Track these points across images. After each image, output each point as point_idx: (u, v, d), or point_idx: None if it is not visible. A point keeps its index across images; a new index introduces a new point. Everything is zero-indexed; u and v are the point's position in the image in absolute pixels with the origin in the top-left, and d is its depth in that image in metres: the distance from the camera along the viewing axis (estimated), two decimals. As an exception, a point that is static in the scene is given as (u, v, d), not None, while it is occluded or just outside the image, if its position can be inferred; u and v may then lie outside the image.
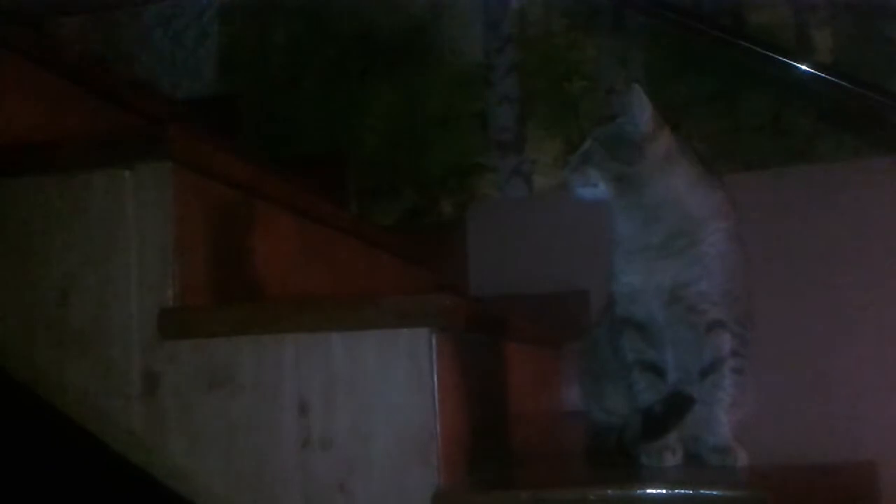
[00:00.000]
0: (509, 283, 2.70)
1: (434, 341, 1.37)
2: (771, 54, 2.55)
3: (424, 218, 2.95)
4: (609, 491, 1.24)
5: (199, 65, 3.18)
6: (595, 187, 1.51)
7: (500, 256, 2.76)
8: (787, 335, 2.41)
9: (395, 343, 1.37)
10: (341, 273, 2.20)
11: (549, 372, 2.15)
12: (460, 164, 2.89)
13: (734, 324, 1.54)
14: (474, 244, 2.81)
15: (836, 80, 2.46)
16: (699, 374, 1.53)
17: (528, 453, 1.89)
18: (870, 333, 2.43)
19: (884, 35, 2.63)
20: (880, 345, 2.33)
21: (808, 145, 2.68)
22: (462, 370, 1.48)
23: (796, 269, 2.52)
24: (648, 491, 1.22)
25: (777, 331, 2.37)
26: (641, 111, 1.48)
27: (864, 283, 2.46)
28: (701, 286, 1.50)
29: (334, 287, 2.11)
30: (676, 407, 1.52)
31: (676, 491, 1.21)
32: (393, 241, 2.63)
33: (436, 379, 1.36)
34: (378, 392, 1.36)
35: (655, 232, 1.50)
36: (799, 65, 2.49)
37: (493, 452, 1.66)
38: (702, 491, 1.22)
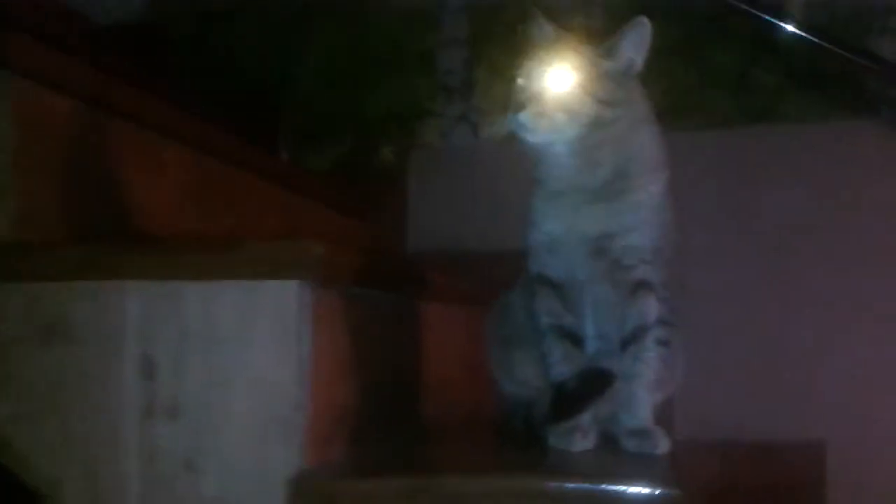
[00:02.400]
0: (452, 239, 2.55)
1: (308, 297, 1.16)
2: (742, 5, 2.32)
3: (362, 165, 2.73)
4: (493, 481, 1.04)
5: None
6: (555, 128, 1.26)
7: (442, 210, 2.58)
8: (738, 307, 2.25)
9: (259, 297, 1.16)
10: (251, 222, 1.98)
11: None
12: (403, 108, 2.71)
13: (661, 288, 1.35)
14: (415, 195, 2.62)
15: (810, 38, 2.25)
16: (620, 344, 1.34)
17: (448, 428, 1.70)
18: (824, 309, 2.25)
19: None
20: (834, 319, 2.19)
21: (774, 104, 2.47)
22: (348, 332, 1.27)
23: (753, 236, 2.34)
24: (538, 484, 1.03)
25: (727, 302, 2.33)
26: (643, 50, 1.28)
27: (823, 256, 2.28)
28: (632, 238, 1.31)
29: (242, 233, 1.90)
30: (593, 384, 1.33)
31: (570, 485, 1.01)
32: (321, 188, 2.43)
33: (307, 342, 1.16)
34: (237, 355, 1.16)
35: (595, 173, 1.29)
36: (771, 19, 2.27)
37: (393, 428, 1.46)
38: (603, 486, 1.03)
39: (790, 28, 2.26)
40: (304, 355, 1.16)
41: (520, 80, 1.28)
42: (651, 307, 1.34)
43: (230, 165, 1.87)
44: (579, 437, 1.31)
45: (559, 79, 1.25)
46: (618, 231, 1.30)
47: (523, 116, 1.24)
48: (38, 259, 1.19)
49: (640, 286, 1.34)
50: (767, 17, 2.31)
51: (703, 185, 2.33)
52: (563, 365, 1.35)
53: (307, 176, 2.44)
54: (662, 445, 1.31)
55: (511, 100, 1.28)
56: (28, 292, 1.19)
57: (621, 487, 1.04)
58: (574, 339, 1.37)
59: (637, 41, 1.29)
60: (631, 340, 1.34)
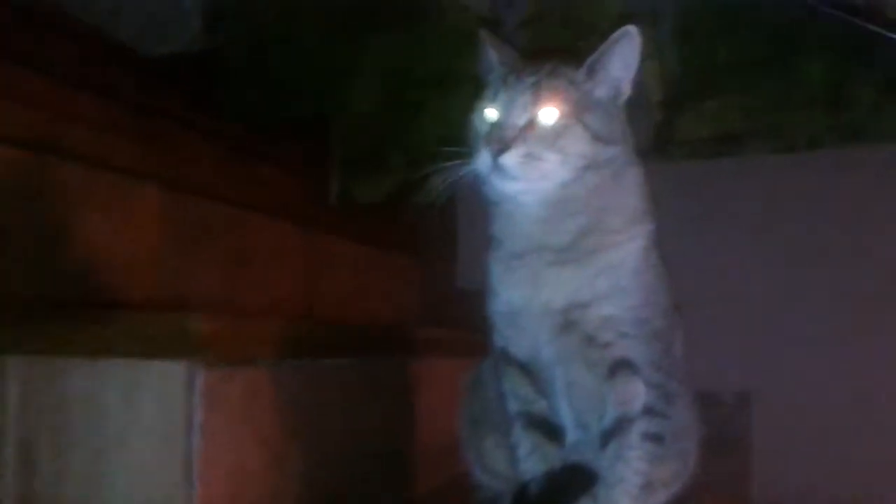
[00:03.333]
0: None
1: (200, 379, 1.00)
2: (835, 11, 2.01)
3: (413, 195, 2.54)
4: None
5: (184, 18, 2.87)
6: (545, 173, 1.04)
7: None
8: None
9: (144, 378, 1.00)
10: (268, 269, 1.84)
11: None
12: (457, 134, 2.50)
13: (651, 369, 1.09)
14: (465, 227, 2.43)
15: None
16: (600, 439, 1.10)
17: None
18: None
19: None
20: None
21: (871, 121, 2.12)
22: (266, 412, 1.11)
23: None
24: None
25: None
26: (632, 68, 1.07)
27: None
28: (607, 308, 1.07)
29: (250, 290, 1.76)
30: (564, 489, 1.10)
31: None
32: (357, 224, 2.27)
33: (198, 431, 0.99)
34: (121, 443, 1.01)
35: (564, 228, 1.07)
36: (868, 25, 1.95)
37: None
38: None
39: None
40: (194, 446, 1.00)
41: (489, 111, 1.08)
42: (635, 393, 1.09)
43: (235, 204, 1.74)
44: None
45: (546, 110, 1.04)
46: (590, 300, 1.06)
47: (507, 159, 1.02)
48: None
49: (621, 366, 1.09)
50: (863, 24, 1.98)
51: (784, 214, 2.04)
52: (532, 460, 1.13)
53: (336, 211, 2.29)
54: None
55: (474, 134, 1.09)
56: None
57: None
58: (547, 428, 1.14)
59: (625, 57, 1.06)
60: (612, 435, 1.09)
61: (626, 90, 1.08)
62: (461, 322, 2.26)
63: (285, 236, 1.98)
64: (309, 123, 2.69)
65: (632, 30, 1.05)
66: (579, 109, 1.03)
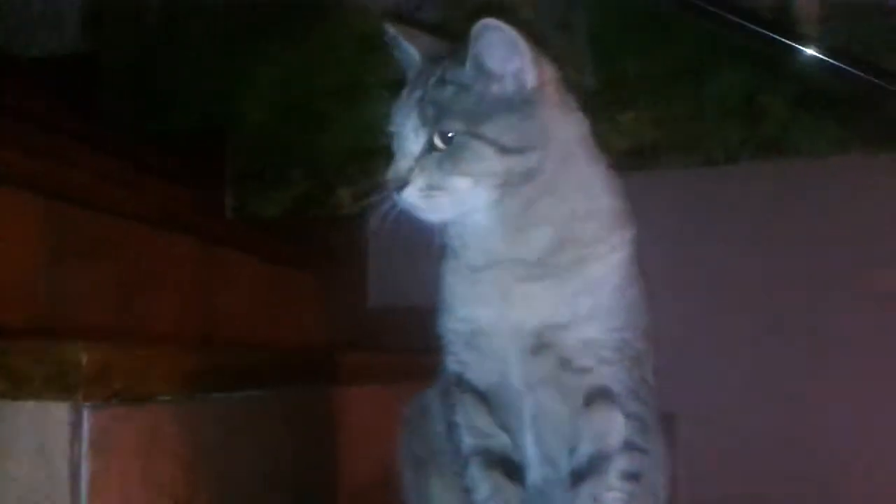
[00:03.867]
0: (418, 291, 2.19)
1: (86, 422, 0.83)
2: (750, 24, 1.98)
3: (317, 210, 2.40)
4: None
5: (60, 18, 2.63)
6: (459, 202, 0.92)
7: (408, 260, 2.23)
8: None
9: (18, 423, 0.83)
10: (161, 289, 1.66)
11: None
12: (366, 146, 2.36)
13: (630, 398, 0.98)
14: (377, 244, 2.30)
15: (824, 58, 1.90)
16: (571, 479, 0.99)
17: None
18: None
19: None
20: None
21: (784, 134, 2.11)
22: (157, 459, 0.94)
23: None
24: None
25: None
26: (518, 58, 0.92)
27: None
28: (587, 329, 0.95)
29: (142, 312, 1.58)
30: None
31: None
32: (258, 240, 2.11)
33: (82, 483, 0.83)
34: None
35: (532, 239, 0.94)
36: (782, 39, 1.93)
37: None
38: None
39: (805, 50, 1.91)
40: (82, 501, 0.83)
41: (392, 129, 0.95)
42: (614, 425, 0.98)
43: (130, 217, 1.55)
44: None
45: (438, 130, 0.92)
46: (567, 320, 0.94)
47: (407, 196, 0.90)
48: None
49: (598, 395, 0.97)
50: (777, 37, 1.96)
51: (700, 228, 2.00)
52: (491, 505, 1.00)
53: (231, 223, 2.12)
54: None
55: (383, 164, 0.97)
56: None
57: None
58: (509, 467, 1.01)
59: (496, 47, 0.91)
60: (586, 473, 0.97)
61: (530, 79, 0.92)
62: (374, 344, 2.21)
63: (180, 254, 1.81)
64: (202, 133, 2.51)
65: (486, 22, 0.91)
66: (475, 121, 0.90)
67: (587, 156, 0.97)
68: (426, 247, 2.16)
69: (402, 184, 0.90)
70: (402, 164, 0.91)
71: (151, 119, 2.51)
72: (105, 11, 2.60)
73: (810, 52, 1.88)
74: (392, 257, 2.24)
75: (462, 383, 1.01)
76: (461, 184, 0.90)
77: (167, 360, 0.96)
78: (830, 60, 1.88)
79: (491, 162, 0.90)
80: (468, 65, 0.91)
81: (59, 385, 0.82)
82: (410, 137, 0.91)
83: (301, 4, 2.46)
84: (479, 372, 0.99)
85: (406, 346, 2.07)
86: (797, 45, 1.93)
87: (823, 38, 1.99)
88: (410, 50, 0.98)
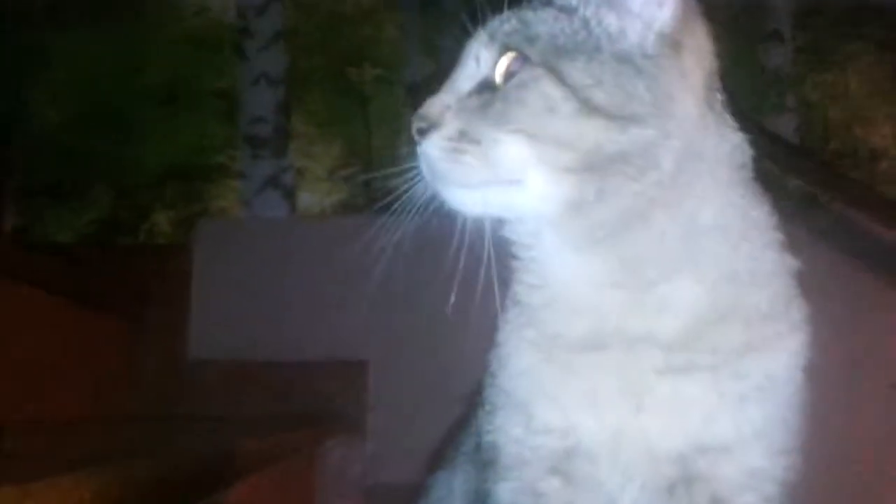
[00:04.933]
0: (250, 343, 1.93)
1: None
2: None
3: (126, 237, 2.05)
4: None
5: None
6: (501, 176, 0.62)
7: (238, 303, 1.96)
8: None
9: None
10: None
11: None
12: (189, 162, 2.18)
13: None
14: (201, 282, 2.00)
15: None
16: None
17: None
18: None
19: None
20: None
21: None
22: None
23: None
24: None
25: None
26: None
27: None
28: (754, 454, 0.65)
29: None
30: None
31: None
32: (44, 270, 1.65)
33: None
34: None
35: (671, 302, 0.63)
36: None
37: None
38: None
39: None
40: None
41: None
42: None
43: None
44: None
45: (499, 54, 0.62)
46: (731, 440, 0.64)
47: (427, 147, 0.63)
48: None
49: None
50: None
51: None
52: None
53: (25, 253, 1.68)
54: None
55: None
56: None
57: None
58: None
59: None
60: None
61: (668, 24, 0.62)
62: (194, 404, 1.81)
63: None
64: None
65: None
66: (558, 53, 0.61)
67: (747, 191, 0.66)
68: (273, 282, 1.91)
69: (428, 127, 0.62)
70: (438, 99, 0.63)
71: None
72: None
73: None
74: (223, 297, 1.98)
75: None
76: (510, 145, 0.60)
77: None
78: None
79: (565, 120, 0.59)
80: None
81: None
82: (467, 65, 0.64)
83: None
84: None
85: (238, 412, 1.72)
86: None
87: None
88: None
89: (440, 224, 0.67)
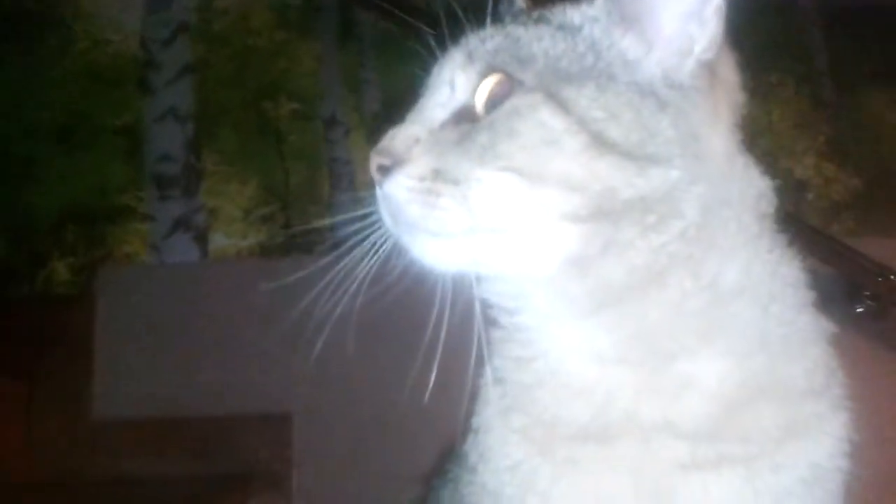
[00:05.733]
0: (159, 399, 1.85)
1: None
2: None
3: (19, 287, 1.96)
4: None
5: None
6: (494, 234, 0.53)
7: (148, 356, 1.87)
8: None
9: None
10: None
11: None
12: (90, 204, 2.01)
13: None
14: (105, 334, 1.89)
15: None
16: None
17: None
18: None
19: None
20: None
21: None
22: None
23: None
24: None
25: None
26: (713, 19, 0.55)
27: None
28: None
29: None
30: None
31: None
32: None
33: None
34: None
35: (692, 381, 0.55)
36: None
37: None
38: None
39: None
40: None
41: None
42: None
43: None
44: None
45: (481, 76, 0.54)
46: None
47: (391, 187, 0.54)
48: None
49: None
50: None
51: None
52: None
53: None
54: None
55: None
56: None
57: None
58: None
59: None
60: None
61: (705, 52, 0.55)
62: (102, 468, 1.71)
63: None
64: None
65: None
66: (559, 77, 0.53)
67: (775, 244, 0.59)
68: (186, 332, 1.81)
69: (392, 163, 0.52)
70: (404, 131, 0.53)
71: None
72: None
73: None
74: (130, 350, 1.89)
75: None
76: (496, 185, 0.51)
77: None
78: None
79: (569, 157, 0.51)
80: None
81: None
82: (439, 91, 0.54)
83: (13, 12, 1.97)
84: None
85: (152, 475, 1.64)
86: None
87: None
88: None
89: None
